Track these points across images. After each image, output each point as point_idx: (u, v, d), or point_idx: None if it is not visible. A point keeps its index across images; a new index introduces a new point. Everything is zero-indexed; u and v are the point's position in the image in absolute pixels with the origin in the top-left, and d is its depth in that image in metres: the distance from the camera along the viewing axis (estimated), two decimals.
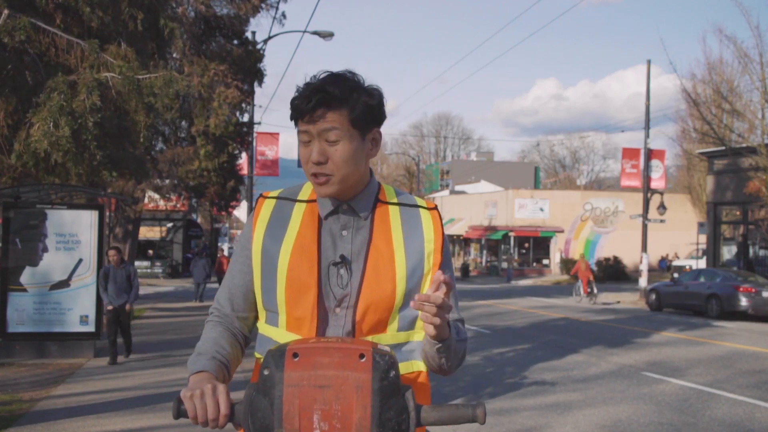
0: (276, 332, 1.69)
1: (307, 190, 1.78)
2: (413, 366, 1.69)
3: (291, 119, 1.68)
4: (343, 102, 1.60)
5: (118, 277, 9.76)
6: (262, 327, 1.74)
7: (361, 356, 1.38)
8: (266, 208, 1.76)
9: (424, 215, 1.75)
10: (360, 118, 1.63)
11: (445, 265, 1.75)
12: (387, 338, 1.67)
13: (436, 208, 1.79)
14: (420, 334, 1.70)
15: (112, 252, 9.85)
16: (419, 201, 1.79)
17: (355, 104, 1.62)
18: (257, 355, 1.74)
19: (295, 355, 1.37)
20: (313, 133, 1.61)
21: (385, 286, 1.65)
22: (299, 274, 1.65)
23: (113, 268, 9.78)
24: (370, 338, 1.64)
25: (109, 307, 9.75)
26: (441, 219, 1.78)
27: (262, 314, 1.74)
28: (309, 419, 1.34)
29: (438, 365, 1.66)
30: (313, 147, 1.62)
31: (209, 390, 1.43)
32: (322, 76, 1.64)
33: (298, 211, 1.74)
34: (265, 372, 1.38)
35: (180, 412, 1.42)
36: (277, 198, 1.78)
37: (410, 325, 1.70)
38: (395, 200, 1.77)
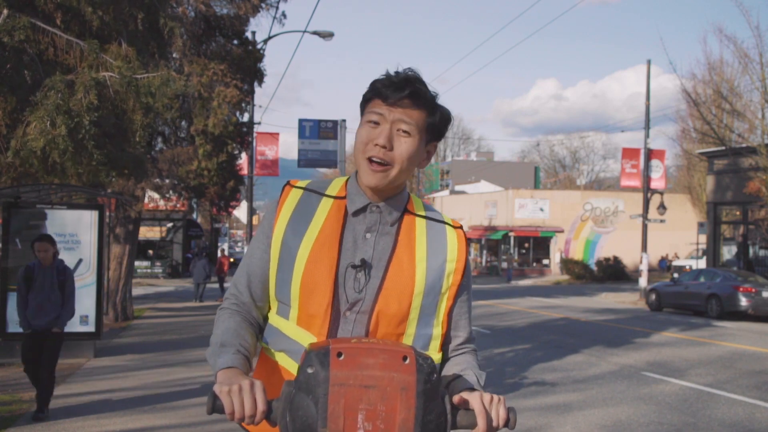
0: (286, 325, 1.67)
1: (336, 186, 1.75)
2: None
3: (365, 99, 1.68)
4: (427, 103, 1.65)
5: (47, 282, 6.57)
6: (273, 317, 1.72)
7: (405, 358, 1.38)
8: (292, 197, 1.72)
9: (450, 233, 1.74)
10: (434, 125, 1.69)
11: (464, 287, 1.75)
12: None
13: (461, 227, 1.79)
14: (434, 356, 1.69)
15: (40, 245, 6.59)
16: (446, 218, 1.79)
17: (436, 110, 1.68)
18: (266, 345, 1.72)
19: (340, 354, 1.37)
20: (388, 118, 1.62)
21: (402, 299, 1.63)
22: (317, 271, 1.63)
23: (40, 267, 6.62)
24: None
25: (28, 331, 6.62)
26: (466, 239, 1.78)
27: (274, 304, 1.72)
28: (353, 419, 1.34)
29: None
30: (381, 129, 1.63)
31: (247, 386, 1.41)
32: (409, 72, 1.66)
33: (325, 206, 1.70)
34: (309, 370, 1.37)
35: (215, 407, 1.40)
36: (304, 189, 1.74)
37: (425, 346, 1.68)
38: (423, 213, 1.76)
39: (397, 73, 1.66)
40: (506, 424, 1.48)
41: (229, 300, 1.75)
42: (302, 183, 1.77)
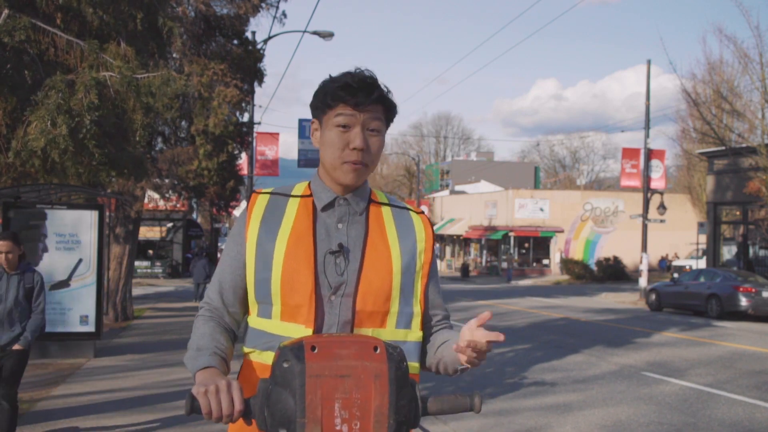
0: (269, 324, 1.70)
1: (300, 188, 1.83)
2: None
3: (328, 106, 1.71)
4: (387, 100, 1.74)
5: (10, 292, 5.36)
6: (254, 321, 1.75)
7: (375, 348, 1.44)
8: (260, 203, 1.79)
9: (415, 217, 1.85)
10: (391, 117, 1.79)
11: (434, 266, 1.85)
12: (386, 334, 1.69)
13: (423, 212, 1.89)
14: (416, 334, 1.77)
15: (2, 244, 5.38)
16: (408, 206, 1.90)
17: (392, 104, 1.77)
18: (246, 349, 1.75)
19: (313, 347, 1.42)
20: (358, 120, 1.69)
21: (383, 277, 1.70)
22: (295, 263, 1.68)
23: (3, 271, 5.40)
24: (370, 332, 1.68)
25: None
26: (431, 222, 1.88)
27: (253, 308, 1.75)
28: (330, 408, 1.38)
29: (448, 373, 1.77)
30: (355, 133, 1.69)
31: (224, 386, 1.44)
32: (367, 73, 1.73)
33: (293, 205, 1.77)
34: (285, 365, 1.41)
35: (193, 408, 1.43)
36: (270, 194, 1.82)
37: (407, 324, 1.75)
38: (387, 202, 1.85)
39: (351, 74, 1.71)
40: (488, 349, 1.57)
41: (203, 308, 1.80)
42: (267, 190, 1.84)
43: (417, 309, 1.77)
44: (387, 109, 1.75)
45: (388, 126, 1.79)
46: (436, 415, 1.55)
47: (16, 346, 5.32)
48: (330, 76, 1.75)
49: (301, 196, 1.79)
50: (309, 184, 1.83)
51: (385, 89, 1.73)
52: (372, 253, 1.71)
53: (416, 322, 1.77)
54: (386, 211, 1.82)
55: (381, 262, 1.71)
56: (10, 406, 5.41)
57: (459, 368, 1.70)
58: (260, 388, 1.46)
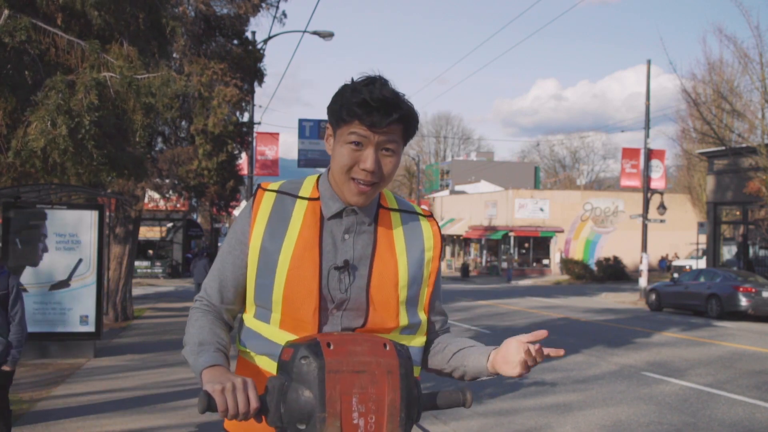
0: (268, 329, 1.68)
1: (308, 187, 1.75)
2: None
3: (343, 120, 1.62)
4: (406, 119, 1.64)
5: None
6: (251, 321, 1.72)
7: (385, 345, 1.50)
8: (266, 201, 1.72)
9: (424, 223, 1.81)
10: (410, 135, 1.69)
11: (438, 272, 1.84)
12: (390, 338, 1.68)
13: (432, 215, 1.86)
14: (419, 340, 1.77)
15: None
16: (417, 208, 1.84)
17: (412, 122, 1.67)
18: (244, 348, 1.73)
19: (329, 344, 1.46)
20: (372, 140, 1.61)
21: (391, 293, 1.68)
22: (301, 275, 1.64)
23: None
24: None
25: None
26: (438, 227, 1.84)
27: (251, 308, 1.73)
28: (348, 402, 1.42)
29: (464, 380, 1.82)
30: (367, 153, 1.61)
31: (240, 384, 1.44)
32: (386, 91, 1.61)
33: (300, 209, 1.71)
34: (303, 361, 1.44)
35: (209, 406, 1.43)
36: (277, 191, 1.74)
37: (412, 332, 1.75)
38: (396, 206, 1.80)
39: (369, 87, 1.60)
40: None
41: (199, 302, 1.76)
42: (274, 185, 1.76)
43: (422, 317, 1.76)
44: (406, 128, 1.66)
45: (406, 142, 1.70)
46: (433, 409, 1.61)
47: (5, 367, 4.98)
48: (352, 80, 1.65)
49: (309, 199, 1.72)
50: (317, 182, 1.76)
51: (405, 107, 1.63)
52: (379, 268, 1.68)
53: (422, 329, 1.77)
54: (395, 217, 1.76)
55: (389, 277, 1.68)
56: (2, 414, 5.22)
57: (485, 378, 1.77)
58: (273, 385, 1.47)
